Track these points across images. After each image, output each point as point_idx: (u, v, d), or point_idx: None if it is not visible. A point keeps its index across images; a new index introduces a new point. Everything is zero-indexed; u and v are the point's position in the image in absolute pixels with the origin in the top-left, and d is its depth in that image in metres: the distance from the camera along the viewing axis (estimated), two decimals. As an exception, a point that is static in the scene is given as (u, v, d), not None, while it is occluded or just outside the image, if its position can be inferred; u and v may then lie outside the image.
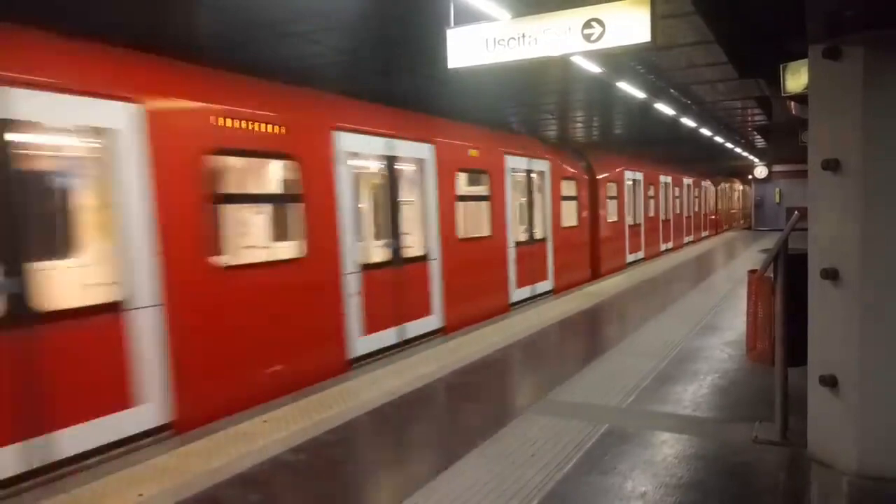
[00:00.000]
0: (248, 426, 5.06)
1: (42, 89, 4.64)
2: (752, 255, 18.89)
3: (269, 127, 6.49)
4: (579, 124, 20.02)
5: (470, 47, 6.34)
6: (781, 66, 5.99)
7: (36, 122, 4.84)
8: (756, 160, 33.30)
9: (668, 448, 4.47)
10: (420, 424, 5.13)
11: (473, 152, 10.42)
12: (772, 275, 4.32)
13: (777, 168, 33.21)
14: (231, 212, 6.75)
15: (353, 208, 7.59)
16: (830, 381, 3.79)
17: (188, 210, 5.61)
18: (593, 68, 9.41)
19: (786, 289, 4.21)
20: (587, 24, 5.83)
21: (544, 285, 12.83)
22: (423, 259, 8.93)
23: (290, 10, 7.82)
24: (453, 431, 4.96)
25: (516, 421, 5.04)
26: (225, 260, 6.04)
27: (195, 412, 5.42)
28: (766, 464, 4.15)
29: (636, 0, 5.68)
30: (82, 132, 5.22)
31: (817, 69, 3.81)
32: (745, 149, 28.36)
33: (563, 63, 8.82)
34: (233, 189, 6.94)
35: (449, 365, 6.77)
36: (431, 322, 8.98)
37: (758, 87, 12.63)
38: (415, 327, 8.59)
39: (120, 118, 5.11)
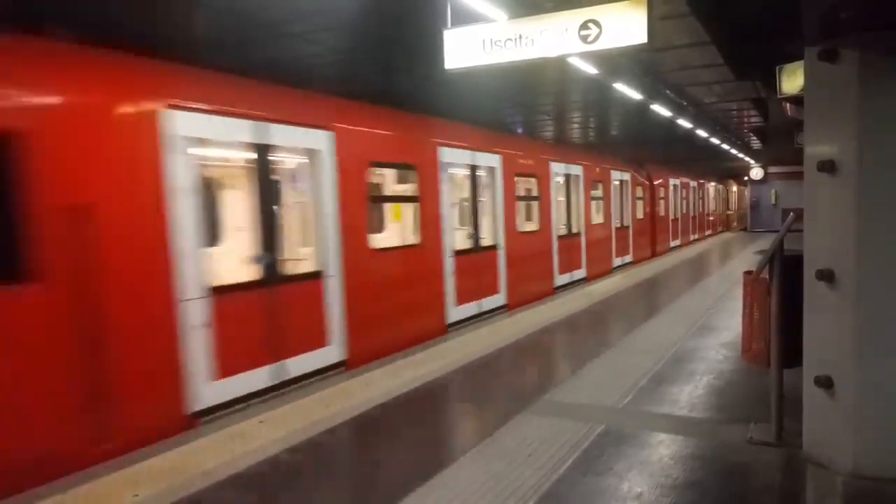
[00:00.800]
0: (244, 426, 5.05)
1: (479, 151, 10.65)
2: (749, 255, 18.94)
3: (531, 162, 12.62)
4: (576, 125, 20.05)
5: (467, 48, 6.34)
6: (777, 67, 6.01)
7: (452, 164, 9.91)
8: (752, 161, 33.36)
9: (665, 448, 4.48)
10: (417, 424, 5.13)
11: (597, 170, 15.91)
12: (767, 276, 4.33)
13: (773, 169, 33.27)
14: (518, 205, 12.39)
15: (557, 204, 13.56)
16: (826, 382, 3.81)
17: (512, 204, 11.62)
18: (590, 69, 9.43)
19: (781, 290, 4.21)
20: (584, 26, 5.84)
21: (627, 258, 18.01)
22: (578, 234, 14.70)
23: (288, 11, 7.83)
24: (450, 431, 4.97)
25: (514, 421, 5.04)
26: (520, 228, 12.10)
27: (516, 300, 11.25)
28: (762, 464, 4.16)
29: (633, 1, 5.69)
30: (482, 169, 10.80)
31: (813, 71, 3.83)
32: (741, 150, 28.42)
33: (559, 64, 8.83)
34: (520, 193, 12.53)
35: (448, 365, 6.76)
36: (579, 273, 14.61)
37: (754, 89, 12.67)
38: (577, 273, 14.43)
39: (496, 161, 11.03)
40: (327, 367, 6.91)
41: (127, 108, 5.17)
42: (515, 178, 11.68)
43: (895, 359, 3.64)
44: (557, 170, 13.48)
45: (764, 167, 33.66)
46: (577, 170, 14.53)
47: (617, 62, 10.20)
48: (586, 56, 8.12)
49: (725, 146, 25.19)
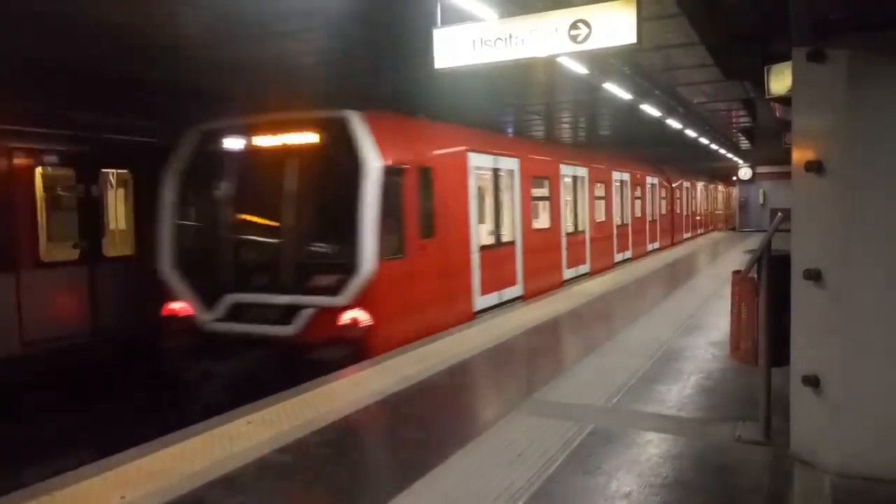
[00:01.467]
0: (232, 427, 5.02)
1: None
2: (738, 252, 19.06)
3: (601, 173, 16.44)
4: (566, 125, 20.09)
5: (456, 47, 6.34)
6: (766, 68, 6.04)
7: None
8: (740, 162, 33.52)
9: (653, 448, 4.49)
10: (406, 425, 5.12)
11: (638, 175, 19.91)
12: (755, 275, 4.34)
13: (761, 170, 33.45)
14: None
15: (616, 203, 17.67)
16: (813, 381, 3.83)
17: (593, 203, 15.87)
18: (580, 69, 9.44)
19: (770, 289, 4.23)
20: (574, 26, 5.85)
21: (655, 245, 22.18)
22: (626, 225, 18.59)
23: (278, 9, 7.79)
24: (441, 431, 4.96)
25: (503, 421, 5.04)
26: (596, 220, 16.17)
27: (595, 269, 15.53)
28: (750, 463, 4.18)
29: (622, 1, 5.70)
30: (579, 179, 15.02)
31: (801, 72, 3.85)
32: (729, 150, 28.57)
33: (549, 64, 8.84)
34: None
35: (433, 366, 6.75)
36: (628, 254, 18.53)
37: (743, 90, 12.73)
38: (626, 254, 18.37)
39: (585, 173, 15.13)
40: (515, 298, 11.24)
41: (457, 153, 9.82)
42: (595, 184, 15.94)
43: (882, 358, 3.67)
44: (616, 177, 17.76)
45: (752, 167, 33.82)
46: (626, 176, 18.76)
47: (607, 62, 10.22)
48: (576, 56, 8.14)
49: (714, 146, 25.31)
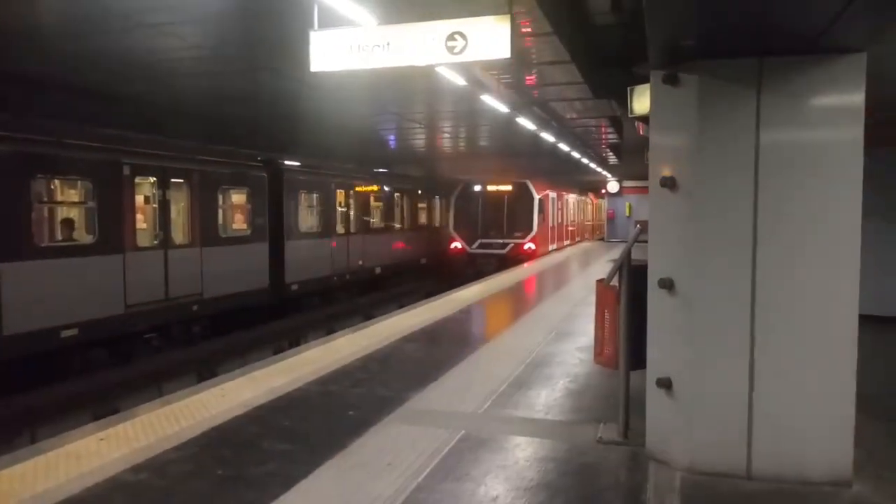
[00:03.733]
0: (82, 445, 4.64)
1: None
2: (606, 262, 20.09)
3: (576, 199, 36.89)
4: (447, 134, 20.39)
5: (334, 51, 6.26)
6: (629, 88, 6.37)
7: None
8: (609, 176, 35.41)
9: (521, 452, 4.61)
10: (273, 436, 4.94)
11: (580, 195, 38.73)
12: (617, 284, 4.57)
13: (628, 184, 35.48)
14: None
15: (579, 213, 39.05)
16: (666, 384, 4.07)
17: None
18: (459, 80, 9.61)
19: (629, 297, 4.47)
20: (451, 37, 5.95)
21: (578, 238, 35.51)
22: (574, 224, 35.63)
23: (144, 2, 7.38)
24: (309, 443, 4.83)
25: (373, 430, 4.99)
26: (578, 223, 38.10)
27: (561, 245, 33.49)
28: (609, 462, 4.38)
29: (497, 17, 5.86)
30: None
31: (658, 93, 4.10)
32: (599, 165, 30.11)
33: (429, 74, 8.93)
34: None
35: (304, 376, 6.59)
36: (568, 241, 32.40)
37: (610, 108, 13.44)
38: (568, 241, 33.02)
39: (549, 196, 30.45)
40: (553, 250, 27.51)
41: (546, 194, 26.30)
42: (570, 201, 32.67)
43: (724, 362, 3.97)
44: (578, 199, 35.16)
45: (620, 181, 35.81)
46: (574, 195, 35.05)
47: (484, 74, 10.46)
48: (455, 67, 8.27)
49: (585, 160, 26.59)
